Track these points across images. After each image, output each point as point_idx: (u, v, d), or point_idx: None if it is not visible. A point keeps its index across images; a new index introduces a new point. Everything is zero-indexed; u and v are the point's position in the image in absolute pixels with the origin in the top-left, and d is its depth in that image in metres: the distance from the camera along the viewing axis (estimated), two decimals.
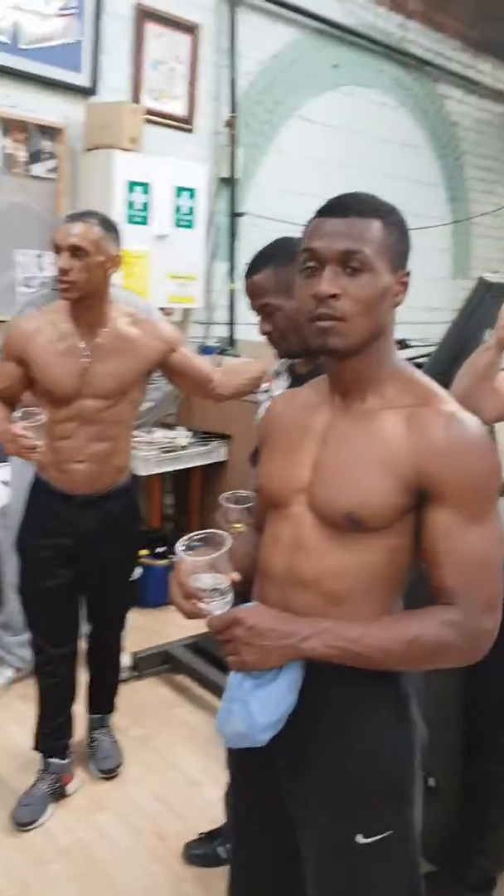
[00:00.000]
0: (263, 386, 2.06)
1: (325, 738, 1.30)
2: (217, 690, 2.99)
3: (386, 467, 1.22)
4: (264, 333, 1.86)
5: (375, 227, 1.21)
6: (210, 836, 2.33)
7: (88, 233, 2.16)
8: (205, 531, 1.32)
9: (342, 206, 1.23)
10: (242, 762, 1.46)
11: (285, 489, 1.33)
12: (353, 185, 1.35)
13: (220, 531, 1.32)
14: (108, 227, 2.22)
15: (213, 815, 2.40)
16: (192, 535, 1.31)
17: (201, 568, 1.28)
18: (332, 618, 1.24)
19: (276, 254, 1.77)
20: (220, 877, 1.64)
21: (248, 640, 1.22)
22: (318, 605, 1.27)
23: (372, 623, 1.23)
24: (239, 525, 1.80)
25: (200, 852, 2.31)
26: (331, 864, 1.33)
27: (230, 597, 1.28)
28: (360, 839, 1.28)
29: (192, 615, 1.29)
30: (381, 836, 1.28)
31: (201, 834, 2.36)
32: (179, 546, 1.30)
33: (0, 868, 2.23)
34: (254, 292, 1.84)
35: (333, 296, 1.20)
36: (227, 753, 1.50)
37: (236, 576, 1.29)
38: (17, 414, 2.11)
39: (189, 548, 1.30)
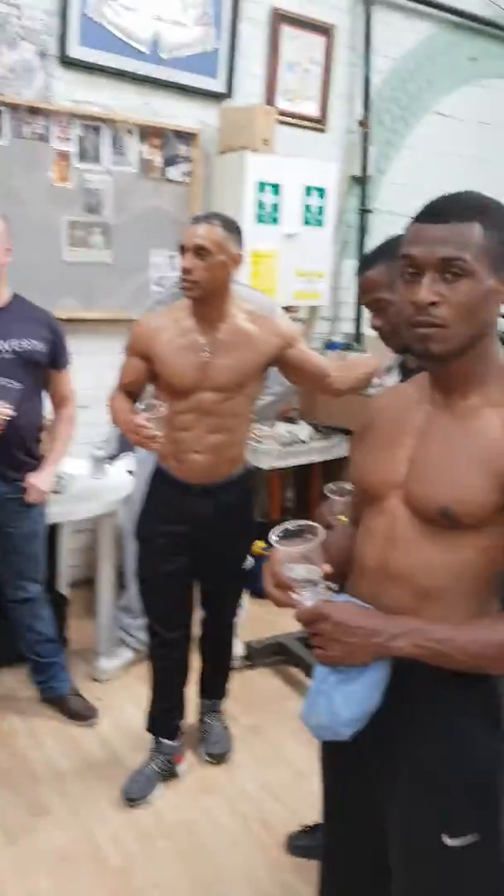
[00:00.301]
0: (375, 381, 2.08)
1: (414, 738, 1.31)
2: None
3: (483, 465, 1.22)
4: (376, 329, 1.90)
5: (476, 231, 1.19)
6: (313, 829, 2.36)
7: (211, 234, 2.25)
8: (299, 522, 1.34)
9: (441, 211, 1.22)
10: (334, 759, 1.49)
11: (381, 483, 1.34)
12: (488, 180, 1.35)
13: (313, 523, 1.34)
14: (231, 228, 2.31)
15: (317, 807, 2.42)
16: (286, 525, 1.34)
17: (294, 558, 1.30)
18: (423, 614, 1.25)
19: (390, 250, 1.78)
20: None
21: (334, 635, 1.24)
22: (409, 600, 1.27)
23: (463, 623, 1.23)
24: (343, 517, 1.83)
25: (303, 843, 2.36)
26: (416, 863, 1.34)
27: (322, 588, 1.31)
28: (447, 840, 1.28)
29: (283, 604, 1.32)
30: (467, 838, 1.28)
31: (305, 826, 2.40)
32: (273, 536, 1.33)
33: (109, 839, 2.36)
34: (366, 288, 1.87)
35: (433, 303, 1.20)
36: (320, 750, 1.53)
37: (328, 568, 1.32)
38: (140, 406, 2.22)
39: (283, 538, 1.33)
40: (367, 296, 1.89)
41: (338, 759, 1.47)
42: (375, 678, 1.27)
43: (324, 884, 1.58)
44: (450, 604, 1.26)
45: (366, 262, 1.89)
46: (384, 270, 1.82)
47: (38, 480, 2.73)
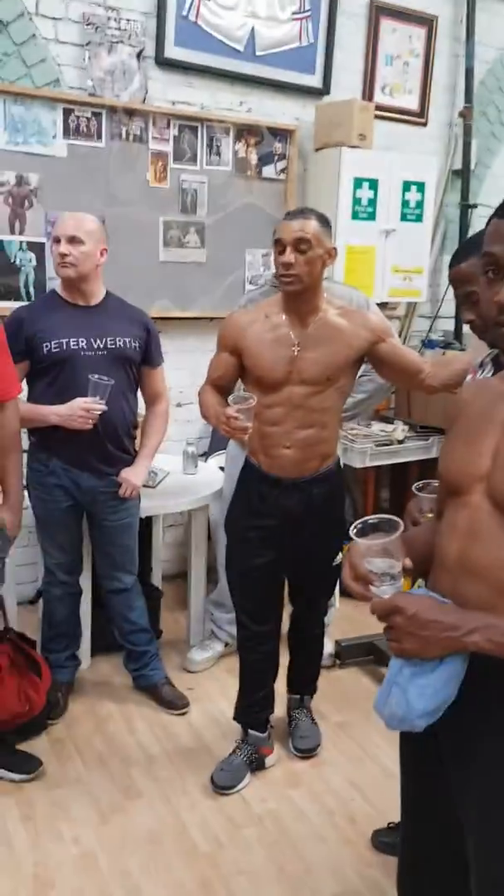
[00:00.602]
0: (468, 378, 2.03)
1: (490, 731, 1.28)
2: None
3: None
4: (467, 322, 1.85)
5: None
6: (399, 827, 2.33)
7: (309, 227, 2.26)
8: (379, 516, 1.34)
9: None
10: (412, 752, 1.48)
11: (465, 476, 1.31)
12: None
13: (394, 517, 1.33)
14: (324, 222, 2.32)
15: None
16: (366, 518, 1.34)
17: (374, 552, 1.30)
18: (502, 610, 1.23)
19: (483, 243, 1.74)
20: None
21: (409, 629, 1.23)
22: (489, 595, 1.25)
23: None
24: (431, 514, 1.80)
25: (388, 840, 2.33)
26: (494, 856, 1.31)
27: (401, 582, 1.30)
28: None
29: (361, 597, 1.31)
30: None
31: (391, 823, 2.38)
32: (353, 529, 1.33)
33: (197, 825, 2.39)
34: (458, 280, 1.84)
35: None
36: (400, 747, 1.52)
37: (408, 562, 1.31)
38: (232, 398, 2.25)
39: (363, 531, 1.32)
40: (459, 289, 1.86)
41: (415, 751, 1.45)
42: (451, 671, 1.25)
43: (402, 878, 1.57)
44: None
45: (458, 254, 1.87)
46: (476, 263, 1.78)
47: (132, 475, 2.79)
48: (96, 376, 2.57)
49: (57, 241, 2.60)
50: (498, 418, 1.30)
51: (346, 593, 3.79)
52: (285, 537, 2.46)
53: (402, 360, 2.45)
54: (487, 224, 1.27)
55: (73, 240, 2.59)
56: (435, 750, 1.36)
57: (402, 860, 1.56)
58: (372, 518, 1.34)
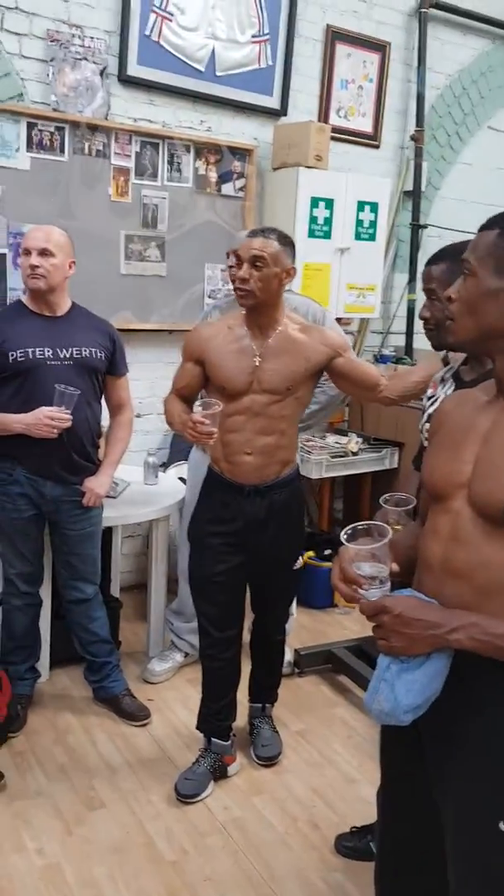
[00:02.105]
0: (429, 392, 2.12)
1: (470, 725, 1.34)
2: None
3: None
4: (423, 318, 2.01)
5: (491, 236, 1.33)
6: (362, 831, 2.38)
7: (267, 246, 2.34)
8: (368, 522, 1.41)
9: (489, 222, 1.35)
10: (394, 746, 1.53)
11: (447, 483, 1.38)
12: None
13: (382, 524, 1.41)
14: (285, 242, 2.40)
15: (366, 812, 2.46)
16: (356, 524, 1.41)
17: (362, 556, 1.37)
18: (483, 610, 1.29)
19: (456, 252, 1.84)
20: (369, 869, 1.69)
21: (395, 627, 1.29)
22: (471, 596, 1.31)
23: None
24: (398, 526, 1.87)
25: (351, 845, 2.38)
26: (471, 850, 1.36)
27: (388, 586, 1.37)
28: (503, 827, 1.31)
29: (350, 599, 1.38)
30: None
31: (353, 828, 2.42)
32: (343, 534, 1.39)
33: (163, 835, 2.41)
34: (425, 278, 2.00)
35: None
36: (381, 748, 1.57)
37: (395, 567, 1.38)
38: (197, 404, 2.31)
39: (352, 536, 1.39)
40: (424, 284, 2.01)
41: (397, 746, 1.50)
42: (435, 668, 1.31)
43: (380, 875, 1.61)
44: None
45: (434, 257, 2.01)
46: (445, 269, 1.90)
47: (95, 484, 2.81)
48: (62, 386, 2.59)
49: (27, 253, 2.62)
50: (478, 428, 1.38)
51: (305, 603, 3.88)
52: (248, 542, 2.51)
53: (359, 373, 2.53)
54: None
55: (43, 252, 2.61)
56: (417, 743, 1.42)
57: (380, 858, 1.61)
58: (361, 524, 1.40)
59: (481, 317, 1.33)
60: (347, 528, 1.40)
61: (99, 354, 2.77)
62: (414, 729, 1.38)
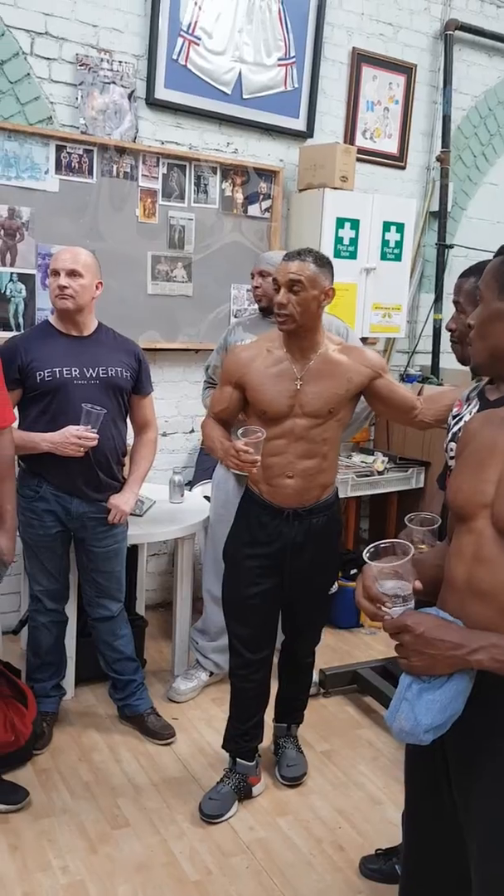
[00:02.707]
0: (454, 410, 2.10)
1: (496, 745, 1.33)
2: None
3: None
4: (449, 330, 2.06)
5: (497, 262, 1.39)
6: (387, 853, 2.35)
7: (304, 269, 2.32)
8: (391, 540, 1.41)
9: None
10: (417, 766, 1.51)
11: (470, 503, 1.38)
12: None
13: (405, 541, 1.40)
14: (322, 263, 2.38)
15: (391, 834, 2.44)
16: (378, 542, 1.40)
17: (386, 574, 1.36)
18: None
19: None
20: (394, 892, 1.67)
21: (416, 647, 1.29)
22: (494, 616, 1.30)
23: None
24: (423, 546, 1.86)
25: (376, 867, 2.35)
26: (496, 871, 1.34)
27: (412, 604, 1.36)
28: None
29: (373, 617, 1.37)
30: None
31: (379, 850, 2.39)
32: (366, 553, 1.39)
33: (187, 854, 2.39)
34: (456, 289, 2.05)
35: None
36: (406, 769, 1.56)
37: (419, 584, 1.37)
38: (240, 431, 2.30)
39: (375, 554, 1.39)
40: (454, 296, 2.05)
41: (422, 767, 1.49)
42: (457, 688, 1.30)
43: (405, 894, 1.59)
44: None
45: (466, 271, 2.04)
46: (473, 284, 1.92)
47: (121, 501, 2.82)
48: (89, 405, 2.61)
49: (56, 273, 2.66)
50: (501, 447, 1.37)
51: (331, 623, 3.85)
52: (284, 566, 2.50)
53: (397, 396, 2.51)
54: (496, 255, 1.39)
55: (72, 273, 2.65)
56: (442, 763, 1.40)
57: (406, 876, 1.59)
58: (384, 542, 1.40)
59: (490, 339, 1.39)
60: (370, 546, 1.39)
61: (125, 374, 2.80)
62: (440, 749, 1.36)
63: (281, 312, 2.34)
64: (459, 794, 1.39)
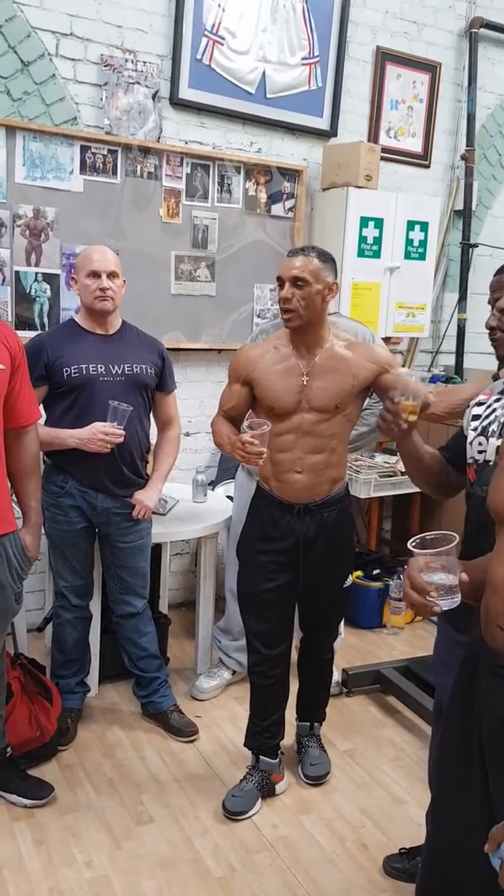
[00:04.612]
0: (481, 397, 2.06)
1: None
2: (426, 715, 3.00)
3: None
4: (489, 328, 2.00)
5: None
6: (411, 853, 2.35)
7: (307, 265, 2.35)
8: (436, 532, 1.41)
9: None
10: (450, 766, 1.51)
11: None
12: None
13: (452, 532, 1.40)
14: (325, 258, 2.41)
15: (415, 833, 2.43)
16: (425, 534, 1.41)
17: (433, 567, 1.37)
18: None
19: None
20: None
21: None
22: None
23: None
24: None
25: (400, 866, 2.34)
26: None
27: (458, 597, 1.37)
28: None
29: (421, 608, 1.38)
30: None
31: (402, 849, 2.38)
32: (411, 543, 1.40)
33: (210, 851, 2.40)
34: (494, 287, 2.03)
35: None
36: (434, 760, 1.56)
37: (465, 577, 1.37)
38: (245, 425, 2.32)
39: (420, 546, 1.39)
40: (493, 295, 2.01)
41: (454, 759, 1.48)
42: None
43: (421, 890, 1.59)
44: None
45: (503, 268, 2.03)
46: None
47: (145, 497, 2.84)
48: (116, 402, 2.63)
49: (97, 276, 2.67)
50: None
51: (353, 623, 3.85)
52: (297, 560, 2.50)
53: None
54: None
55: (112, 274, 2.69)
56: (479, 760, 1.40)
57: (426, 867, 1.58)
58: (429, 534, 1.40)
59: None
60: (416, 537, 1.40)
61: (149, 371, 2.82)
62: (477, 743, 1.35)
63: (286, 308, 2.36)
64: (497, 790, 1.38)
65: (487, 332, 2.02)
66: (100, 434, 2.64)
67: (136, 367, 2.79)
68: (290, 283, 2.35)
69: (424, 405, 1.96)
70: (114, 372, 2.73)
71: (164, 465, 2.96)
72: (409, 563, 1.40)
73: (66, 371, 2.68)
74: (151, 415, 2.95)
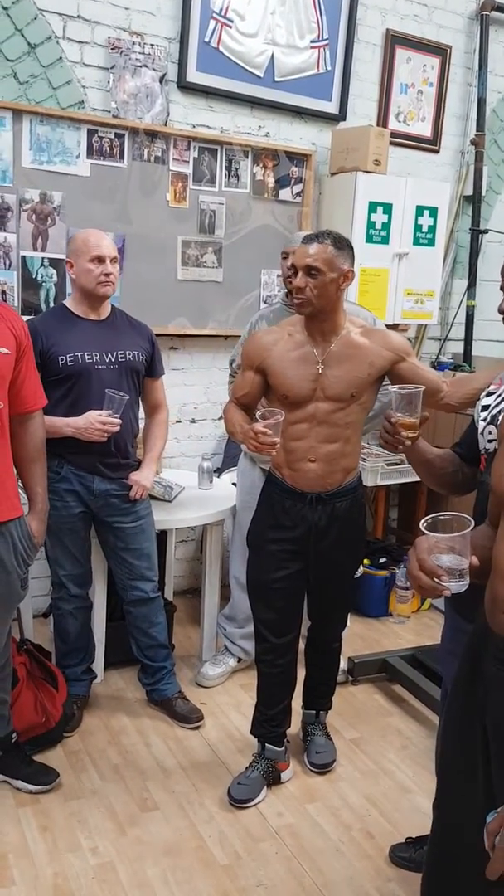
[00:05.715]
0: (491, 387, 2.04)
1: None
2: (433, 704, 2.99)
3: None
4: (501, 312, 1.92)
5: None
6: (417, 842, 2.34)
7: (322, 253, 2.30)
8: (448, 513, 1.36)
9: None
10: (456, 754, 1.50)
11: None
12: None
13: (463, 515, 1.36)
14: (341, 245, 2.35)
15: (421, 822, 2.42)
16: (436, 515, 1.36)
17: (441, 548, 1.33)
18: None
19: None
20: None
21: None
22: None
23: None
24: None
25: (406, 856, 2.34)
26: None
27: (467, 580, 1.32)
28: None
29: (429, 590, 1.33)
30: None
31: (409, 838, 2.38)
32: (423, 523, 1.35)
33: (216, 838, 2.40)
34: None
35: None
36: (440, 748, 1.54)
37: (475, 560, 1.33)
38: (258, 414, 2.28)
39: (432, 527, 1.35)
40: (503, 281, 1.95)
41: (459, 748, 1.47)
42: None
43: (428, 881, 1.58)
44: None
45: None
46: None
47: (140, 476, 2.85)
48: (113, 391, 2.62)
49: (101, 260, 2.66)
50: None
51: (359, 611, 3.84)
52: (308, 549, 2.48)
53: (421, 378, 2.47)
54: None
55: (114, 259, 2.69)
56: (482, 749, 1.38)
57: (429, 867, 1.57)
58: (442, 514, 1.36)
59: None
60: (427, 517, 1.36)
61: (140, 357, 2.82)
62: (482, 736, 1.34)
63: (299, 297, 2.32)
64: (499, 778, 1.37)
65: (501, 317, 1.98)
66: (97, 423, 2.64)
67: (129, 354, 2.78)
68: (303, 272, 2.30)
69: (423, 418, 1.95)
70: (108, 360, 2.73)
71: (156, 447, 2.97)
72: (417, 544, 1.36)
73: (62, 359, 2.66)
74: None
